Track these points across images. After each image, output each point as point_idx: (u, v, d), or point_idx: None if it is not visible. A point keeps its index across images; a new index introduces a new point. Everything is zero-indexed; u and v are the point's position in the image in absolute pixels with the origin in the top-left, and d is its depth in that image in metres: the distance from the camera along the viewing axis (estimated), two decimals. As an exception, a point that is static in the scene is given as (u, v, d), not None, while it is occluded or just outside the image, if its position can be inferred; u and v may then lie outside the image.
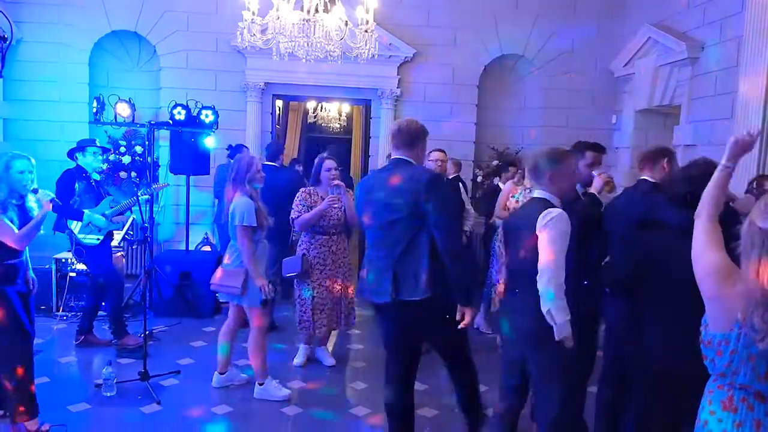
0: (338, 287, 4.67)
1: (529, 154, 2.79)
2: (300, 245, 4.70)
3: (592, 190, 3.45)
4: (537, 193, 2.83)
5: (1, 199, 3.33)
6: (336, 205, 4.56)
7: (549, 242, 2.59)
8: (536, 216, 2.66)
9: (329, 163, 4.65)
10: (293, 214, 4.55)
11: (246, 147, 6.88)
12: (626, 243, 2.99)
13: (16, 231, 3.33)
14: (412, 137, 3.11)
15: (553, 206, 2.71)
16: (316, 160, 4.78)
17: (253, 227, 3.90)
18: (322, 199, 4.56)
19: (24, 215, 3.45)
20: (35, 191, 3.48)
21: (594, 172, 3.52)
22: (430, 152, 5.15)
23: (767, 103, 5.11)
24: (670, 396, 2.58)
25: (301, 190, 4.69)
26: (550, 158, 2.81)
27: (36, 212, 3.48)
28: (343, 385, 4.51)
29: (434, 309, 2.98)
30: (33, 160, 3.48)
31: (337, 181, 4.59)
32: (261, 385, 4.12)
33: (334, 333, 5.35)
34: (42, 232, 3.58)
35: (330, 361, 4.87)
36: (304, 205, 4.54)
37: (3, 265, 3.35)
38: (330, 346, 5.24)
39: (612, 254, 3.22)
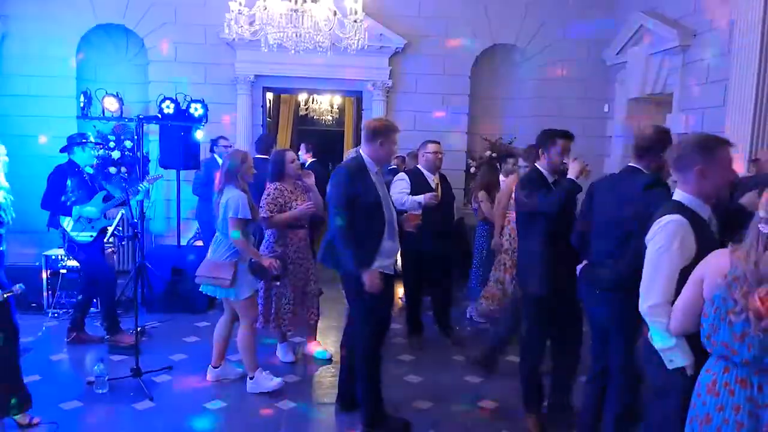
0: (313, 279, 4.68)
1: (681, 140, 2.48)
2: (275, 241, 4.52)
3: (570, 175, 3.44)
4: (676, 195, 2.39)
5: None
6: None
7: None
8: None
9: (290, 155, 4.57)
10: (264, 213, 4.36)
11: (224, 138, 6.76)
12: (634, 238, 2.88)
13: None
14: (366, 133, 3.56)
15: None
16: (273, 155, 4.69)
17: (247, 220, 3.89)
18: (291, 193, 4.49)
19: None
20: None
21: (565, 159, 3.56)
22: (426, 143, 5.14)
23: (759, 90, 5.11)
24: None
25: (269, 186, 4.50)
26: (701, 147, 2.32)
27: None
28: (336, 379, 4.47)
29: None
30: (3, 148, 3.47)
31: (309, 179, 4.54)
32: (252, 378, 4.11)
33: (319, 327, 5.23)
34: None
35: (326, 354, 4.84)
36: (278, 204, 4.41)
37: None
38: (325, 340, 5.22)
39: (605, 247, 3.03)
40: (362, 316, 3.56)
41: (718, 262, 1.96)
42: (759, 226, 1.88)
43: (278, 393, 4.09)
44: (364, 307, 3.51)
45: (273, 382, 4.10)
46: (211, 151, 6.55)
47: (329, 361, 4.77)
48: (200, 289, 4.15)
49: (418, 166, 5.15)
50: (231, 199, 3.88)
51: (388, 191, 3.75)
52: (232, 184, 3.94)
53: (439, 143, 5.14)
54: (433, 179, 5.03)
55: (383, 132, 3.53)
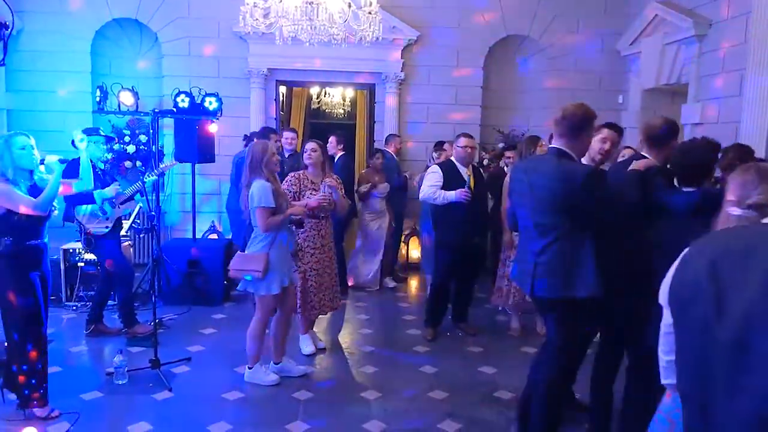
0: (328, 271, 4.70)
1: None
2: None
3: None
4: None
5: (11, 177, 3.40)
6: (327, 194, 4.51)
7: None
8: None
9: (309, 145, 4.63)
10: None
11: (273, 130, 6.87)
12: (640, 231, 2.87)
13: (33, 200, 3.42)
14: (573, 125, 2.88)
15: None
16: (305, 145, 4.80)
17: (272, 208, 3.92)
18: (312, 183, 4.55)
19: (36, 192, 3.51)
20: (41, 161, 3.54)
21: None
22: (458, 137, 5.11)
23: (777, 79, 5.06)
24: None
25: (290, 174, 4.63)
26: None
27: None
28: (354, 370, 4.52)
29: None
30: (33, 139, 3.55)
31: (330, 182, 4.52)
32: (250, 368, 4.19)
33: (323, 318, 5.21)
34: (56, 212, 3.66)
35: (320, 344, 4.89)
36: (291, 191, 4.48)
37: (25, 246, 3.40)
38: (335, 330, 5.25)
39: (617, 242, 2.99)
40: (560, 345, 3.03)
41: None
42: (728, 210, 1.72)
43: (296, 383, 4.14)
44: (569, 335, 3.02)
45: (270, 377, 4.17)
46: (245, 145, 6.58)
47: (345, 351, 4.81)
48: (237, 288, 4.20)
49: (452, 158, 5.14)
50: (255, 190, 3.92)
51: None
52: (257, 176, 3.97)
53: (470, 137, 5.06)
54: (465, 172, 4.98)
55: (591, 121, 2.92)
